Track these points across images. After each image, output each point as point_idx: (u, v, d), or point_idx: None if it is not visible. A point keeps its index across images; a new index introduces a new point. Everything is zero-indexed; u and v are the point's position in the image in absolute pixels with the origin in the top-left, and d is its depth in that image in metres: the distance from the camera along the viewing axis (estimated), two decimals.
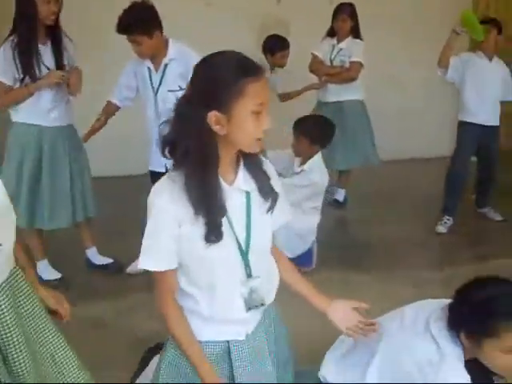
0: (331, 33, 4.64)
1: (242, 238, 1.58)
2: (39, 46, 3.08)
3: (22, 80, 3.06)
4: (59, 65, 3.16)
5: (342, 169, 4.89)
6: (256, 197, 1.60)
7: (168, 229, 1.51)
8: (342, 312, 1.84)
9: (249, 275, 1.62)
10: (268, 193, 1.61)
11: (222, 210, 1.50)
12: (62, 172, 3.27)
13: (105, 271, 3.59)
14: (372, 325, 1.87)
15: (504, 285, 1.79)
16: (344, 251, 4.01)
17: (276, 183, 1.66)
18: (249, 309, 1.64)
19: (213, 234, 1.49)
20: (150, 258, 1.57)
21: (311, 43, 4.72)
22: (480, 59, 4.23)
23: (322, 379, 2.07)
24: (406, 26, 6.07)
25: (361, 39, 4.57)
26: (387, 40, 5.90)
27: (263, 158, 1.66)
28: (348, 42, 4.55)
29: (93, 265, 3.63)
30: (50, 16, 3.04)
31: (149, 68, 3.21)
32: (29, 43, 3.02)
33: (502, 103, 4.37)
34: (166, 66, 3.18)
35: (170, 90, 3.16)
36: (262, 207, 1.61)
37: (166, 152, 1.49)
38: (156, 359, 1.99)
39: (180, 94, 2.97)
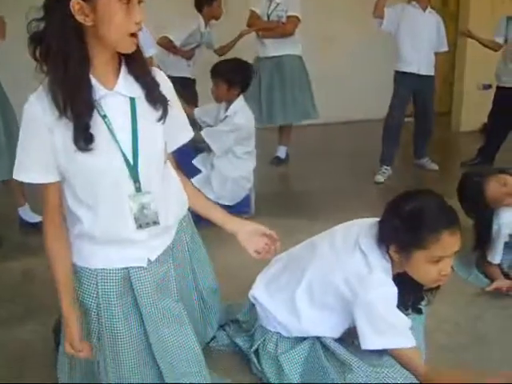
0: None
1: (127, 147, 1.50)
2: None
3: None
4: None
5: (282, 123, 4.91)
6: (143, 104, 1.52)
7: (39, 137, 1.45)
8: (250, 237, 1.81)
9: (138, 189, 1.54)
10: (156, 100, 1.52)
11: (87, 109, 1.41)
12: None
13: (37, 229, 3.48)
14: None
15: (433, 197, 1.81)
16: (284, 200, 4.06)
17: (168, 92, 1.58)
18: (140, 226, 1.56)
19: (81, 136, 1.41)
20: (23, 169, 1.50)
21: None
22: (414, 9, 4.32)
23: (251, 299, 2.08)
24: None
25: None
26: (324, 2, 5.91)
27: (155, 69, 1.59)
28: None
29: (25, 223, 3.53)
30: None
31: None
32: None
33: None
34: None
35: None
36: (151, 116, 1.53)
37: (37, 54, 1.39)
38: None
39: None
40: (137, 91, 1.51)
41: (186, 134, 1.73)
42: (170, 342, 1.69)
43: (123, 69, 1.49)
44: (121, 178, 1.51)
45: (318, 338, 1.93)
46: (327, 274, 1.87)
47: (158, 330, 1.67)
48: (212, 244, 2.09)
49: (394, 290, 1.78)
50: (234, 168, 3.52)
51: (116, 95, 1.48)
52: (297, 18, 4.52)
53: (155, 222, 1.58)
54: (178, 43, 4.45)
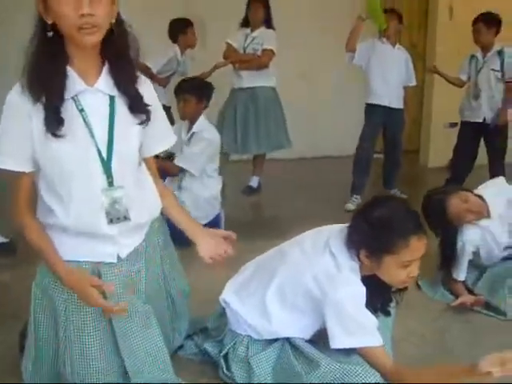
0: (245, 23, 4.79)
1: (102, 143, 1.55)
2: None
3: None
4: None
5: (255, 153, 5.00)
6: (122, 105, 1.57)
7: (18, 124, 1.50)
8: (209, 242, 1.84)
9: (110, 184, 1.58)
10: (138, 108, 1.58)
11: (58, 94, 1.47)
12: None
13: None
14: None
15: (400, 203, 1.90)
16: (254, 225, 4.09)
17: (152, 98, 1.64)
18: (111, 221, 1.59)
19: (51, 120, 1.46)
20: (1, 156, 1.53)
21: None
22: (384, 45, 4.51)
23: (222, 303, 2.10)
24: (316, 24, 6.28)
25: (273, 29, 4.74)
26: (300, 37, 6.12)
27: (142, 77, 1.64)
28: (261, 31, 4.71)
29: None
30: None
31: None
32: None
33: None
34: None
35: None
36: (130, 117, 1.59)
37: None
38: None
39: None
40: (116, 90, 1.57)
41: (168, 141, 1.79)
42: (135, 342, 1.70)
43: (106, 67, 1.55)
44: (94, 171, 1.56)
45: (288, 339, 1.96)
46: (297, 275, 1.92)
47: (124, 327, 1.68)
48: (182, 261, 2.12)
49: (362, 290, 1.83)
50: (205, 188, 3.61)
51: (96, 92, 1.54)
52: (272, 51, 4.68)
53: (126, 218, 1.61)
54: (154, 70, 4.56)
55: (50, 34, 1.46)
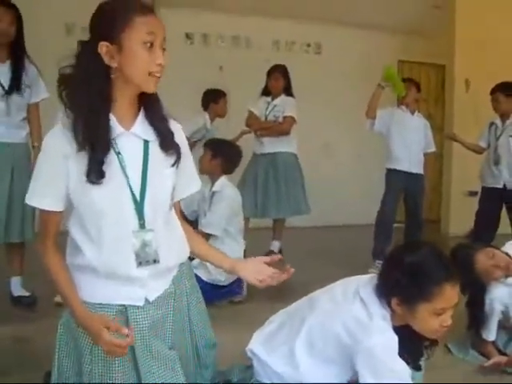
0: (266, 91, 4.95)
1: (136, 185, 1.57)
2: None
3: None
4: (14, 83, 3.24)
5: (275, 217, 5.01)
6: (156, 148, 1.61)
7: (55, 164, 1.52)
8: (252, 267, 1.80)
9: (142, 226, 1.58)
10: (170, 147, 1.62)
11: (104, 148, 1.50)
12: (1, 189, 3.23)
13: (18, 304, 3.44)
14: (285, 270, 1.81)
15: (433, 249, 1.86)
16: (276, 288, 3.95)
17: (182, 142, 1.68)
18: (140, 263, 1.58)
19: (93, 171, 1.49)
20: (35, 194, 1.56)
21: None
22: (403, 113, 4.62)
23: (249, 353, 2.05)
24: (335, 97, 6.49)
25: (293, 97, 4.88)
26: (320, 111, 6.31)
27: (172, 120, 1.69)
28: (281, 99, 4.85)
29: (11, 295, 3.49)
30: (1, 35, 3.18)
31: None
32: None
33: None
34: None
35: None
36: (164, 160, 1.62)
37: (63, 95, 1.52)
38: None
39: None
40: (151, 135, 1.61)
41: (195, 184, 1.81)
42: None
43: (142, 113, 1.61)
44: (126, 212, 1.57)
45: None
46: (327, 324, 1.87)
47: (151, 373, 1.64)
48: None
49: (395, 338, 1.78)
50: (227, 249, 3.56)
51: (131, 136, 1.58)
52: (292, 118, 4.80)
53: (155, 261, 1.60)
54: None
55: (114, 76, 1.51)
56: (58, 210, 1.57)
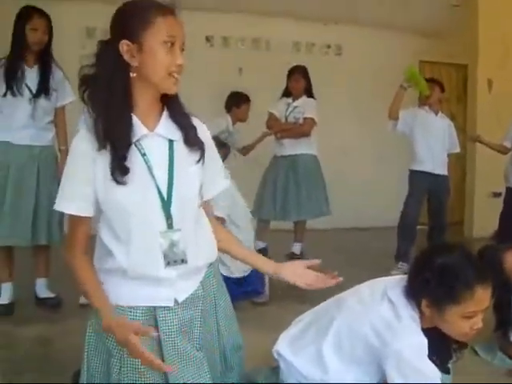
0: (286, 93, 4.93)
1: (163, 186, 1.57)
2: (26, 67, 3.29)
3: (5, 94, 3.22)
4: (42, 87, 3.30)
5: (296, 220, 4.99)
6: (181, 147, 1.61)
7: (83, 168, 1.52)
8: (295, 270, 1.78)
9: (170, 226, 1.57)
10: (194, 143, 1.61)
11: (125, 143, 1.50)
12: (27, 191, 3.29)
13: (43, 305, 3.50)
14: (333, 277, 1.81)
15: (464, 251, 1.82)
16: (298, 290, 3.96)
17: (206, 138, 1.67)
18: (168, 263, 1.57)
19: (117, 167, 1.49)
20: (64, 199, 1.56)
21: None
22: (426, 113, 4.58)
23: (275, 354, 2.03)
24: (355, 98, 6.45)
25: (314, 98, 4.86)
26: (341, 113, 6.27)
27: (192, 115, 1.68)
28: (302, 101, 4.84)
29: (36, 296, 3.55)
30: (36, 42, 3.27)
31: None
32: (14, 64, 3.25)
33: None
34: None
35: None
36: (188, 158, 1.61)
37: (85, 96, 1.53)
38: None
39: None
40: (176, 134, 1.61)
41: (223, 182, 1.79)
42: None
43: (165, 112, 1.61)
44: (154, 213, 1.56)
45: None
46: (355, 325, 1.85)
47: (178, 374, 1.62)
48: None
49: (424, 340, 1.75)
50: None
51: (156, 136, 1.58)
52: (313, 119, 4.78)
53: (183, 261, 1.59)
54: None
55: (134, 75, 1.51)
56: (86, 215, 1.57)
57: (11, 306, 3.34)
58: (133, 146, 1.54)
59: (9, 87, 3.22)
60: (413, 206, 4.50)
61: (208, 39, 5.95)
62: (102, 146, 1.49)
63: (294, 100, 4.86)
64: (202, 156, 1.63)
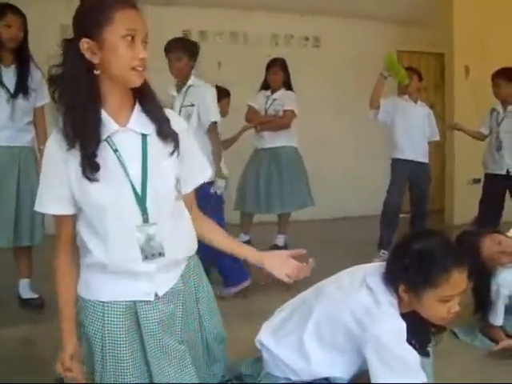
0: (265, 86, 4.94)
1: (137, 181, 1.57)
2: (2, 67, 3.26)
3: None
4: (20, 87, 3.27)
5: (280, 212, 5.02)
6: (154, 140, 1.60)
7: (55, 169, 1.54)
8: (278, 261, 1.77)
9: (145, 220, 1.58)
10: (167, 135, 1.61)
11: (94, 140, 1.51)
12: (8, 192, 3.27)
13: (26, 306, 3.48)
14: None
15: (441, 236, 1.86)
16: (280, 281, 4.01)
17: (180, 129, 1.66)
18: (145, 257, 1.58)
19: (87, 165, 1.49)
20: (42, 200, 1.59)
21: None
22: (406, 102, 4.62)
23: (258, 344, 2.05)
24: (335, 89, 6.47)
25: (292, 91, 4.88)
26: (320, 104, 6.30)
27: (168, 110, 1.68)
28: (281, 93, 4.84)
29: (19, 297, 3.52)
30: (10, 38, 3.23)
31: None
32: None
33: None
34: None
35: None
36: (162, 151, 1.61)
37: (56, 96, 1.53)
38: None
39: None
40: (149, 128, 1.60)
41: (204, 173, 1.79)
42: (171, 381, 1.65)
43: (137, 107, 1.60)
44: (129, 208, 1.57)
45: (327, 379, 1.89)
46: (334, 312, 1.87)
47: (161, 368, 1.64)
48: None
49: (403, 325, 1.78)
50: None
51: (128, 131, 1.57)
52: (293, 111, 4.79)
53: (161, 254, 1.60)
54: None
55: (97, 72, 1.51)
56: (66, 214, 1.59)
57: None
58: (104, 142, 1.54)
59: None
60: (395, 195, 4.55)
61: (185, 34, 5.92)
62: (71, 146, 1.50)
63: (272, 93, 4.86)
64: (176, 147, 1.62)
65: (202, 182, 1.78)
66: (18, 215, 3.30)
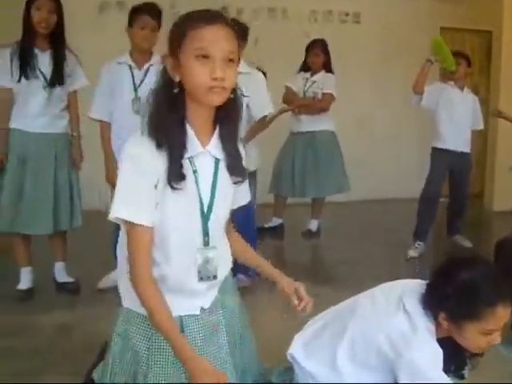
0: (304, 67, 4.84)
1: (205, 203, 1.58)
2: (37, 51, 3.24)
3: (19, 81, 3.20)
4: (56, 75, 3.26)
5: (315, 197, 4.97)
6: (224, 167, 1.60)
7: (148, 175, 1.47)
8: (288, 290, 1.80)
9: (206, 243, 1.60)
10: (236, 170, 1.61)
11: (182, 147, 1.49)
12: (46, 179, 3.30)
13: (62, 290, 3.54)
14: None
15: (487, 267, 1.79)
16: (312, 269, 4.08)
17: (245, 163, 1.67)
18: (201, 279, 1.60)
19: (176, 172, 1.47)
20: (126, 206, 1.47)
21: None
22: (452, 89, 4.44)
23: (289, 358, 2.04)
24: (374, 68, 6.31)
25: (332, 73, 4.76)
26: (357, 83, 6.14)
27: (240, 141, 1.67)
28: (321, 76, 4.75)
29: (55, 281, 3.58)
30: (40, 22, 3.20)
31: (130, 66, 3.37)
32: (25, 47, 3.21)
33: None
34: (149, 67, 3.35)
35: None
36: (228, 178, 1.61)
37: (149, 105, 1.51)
38: None
39: None
40: (221, 153, 1.59)
41: (246, 198, 1.80)
42: None
43: (217, 130, 1.58)
44: (195, 229, 1.58)
45: None
46: (369, 333, 1.83)
47: None
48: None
49: (439, 352, 1.73)
50: None
51: (206, 153, 1.56)
52: (331, 95, 4.70)
53: (215, 277, 1.63)
54: None
55: (176, 90, 1.48)
56: (150, 226, 1.51)
57: (31, 292, 3.39)
58: (187, 160, 1.53)
59: (22, 72, 3.19)
60: (434, 185, 4.42)
61: (223, 9, 5.81)
62: (159, 152, 1.47)
63: (312, 75, 4.77)
64: (241, 182, 1.65)
65: (241, 204, 1.78)
66: (56, 201, 3.33)
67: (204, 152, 1.55)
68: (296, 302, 1.78)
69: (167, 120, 1.49)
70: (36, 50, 3.24)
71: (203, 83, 1.44)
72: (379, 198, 6.31)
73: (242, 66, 3.65)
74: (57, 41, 3.29)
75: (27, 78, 3.19)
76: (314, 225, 5.03)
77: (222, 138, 1.58)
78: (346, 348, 1.88)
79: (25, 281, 3.40)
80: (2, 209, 3.22)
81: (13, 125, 3.28)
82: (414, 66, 4.41)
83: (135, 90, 3.34)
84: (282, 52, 5.66)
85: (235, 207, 1.76)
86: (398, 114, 6.12)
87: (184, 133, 1.51)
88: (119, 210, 1.47)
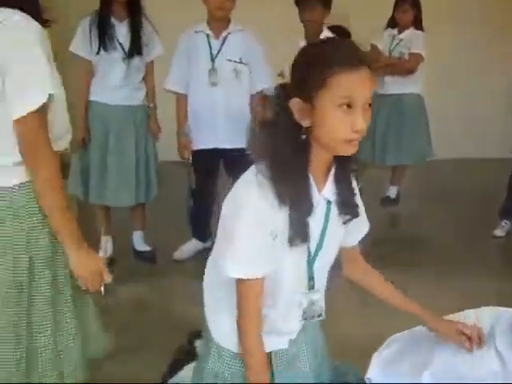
0: (392, 23, 4.50)
1: (312, 247, 1.50)
2: (115, 21, 3.19)
3: (98, 53, 3.17)
4: (134, 46, 3.21)
5: (394, 164, 4.74)
6: (334, 207, 1.50)
7: (265, 227, 1.38)
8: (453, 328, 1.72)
9: (311, 287, 1.54)
10: (347, 209, 1.51)
11: (310, 210, 1.40)
12: (128, 152, 3.31)
13: (139, 258, 3.60)
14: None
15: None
16: (393, 250, 3.89)
17: (358, 198, 1.57)
18: (305, 319, 1.57)
19: (299, 234, 1.39)
20: (243, 265, 1.42)
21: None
22: None
23: (367, 381, 1.97)
24: (473, 29, 5.85)
25: (422, 30, 4.41)
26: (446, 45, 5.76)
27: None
28: (409, 33, 4.40)
29: (133, 249, 3.64)
30: None
31: (207, 35, 3.27)
32: (103, 17, 3.16)
33: None
34: (227, 35, 3.26)
35: (228, 60, 3.24)
36: (337, 219, 1.52)
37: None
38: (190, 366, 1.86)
39: (239, 66, 3.07)
40: (334, 195, 1.49)
41: (365, 228, 1.70)
42: None
43: (332, 173, 1.47)
44: (300, 274, 1.53)
45: None
46: (455, 370, 1.72)
47: None
48: None
49: None
50: None
51: (321, 198, 1.46)
52: (420, 55, 4.36)
53: (320, 315, 1.59)
54: None
55: (303, 137, 1.36)
56: (262, 277, 1.46)
57: (112, 260, 3.44)
58: None
59: (101, 43, 3.15)
60: None
61: None
62: (282, 205, 1.37)
63: (399, 32, 4.43)
64: (352, 219, 1.54)
65: (363, 235, 1.70)
66: (137, 173, 3.35)
67: (319, 196, 1.45)
68: (466, 343, 1.68)
69: (292, 171, 1.36)
70: (113, 20, 3.18)
71: (343, 136, 1.31)
72: (465, 157, 6.02)
73: (326, 34, 3.45)
74: (134, 9, 3.20)
75: (106, 49, 3.15)
76: (393, 191, 4.81)
77: (336, 179, 1.47)
78: (426, 381, 1.79)
79: (105, 249, 3.48)
80: (91, 182, 3.27)
81: (92, 97, 3.27)
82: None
83: (212, 60, 3.24)
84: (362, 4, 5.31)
85: (359, 238, 1.69)
86: (489, 74, 5.69)
87: (309, 187, 1.40)
88: (236, 271, 1.42)
